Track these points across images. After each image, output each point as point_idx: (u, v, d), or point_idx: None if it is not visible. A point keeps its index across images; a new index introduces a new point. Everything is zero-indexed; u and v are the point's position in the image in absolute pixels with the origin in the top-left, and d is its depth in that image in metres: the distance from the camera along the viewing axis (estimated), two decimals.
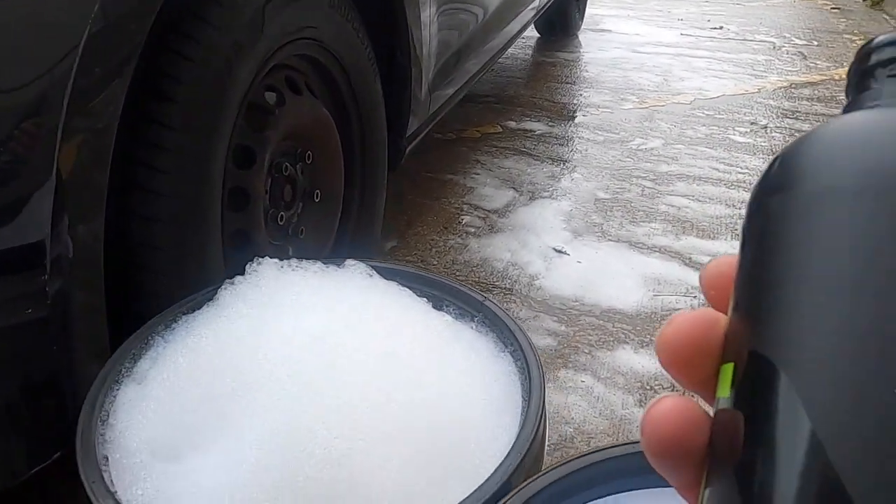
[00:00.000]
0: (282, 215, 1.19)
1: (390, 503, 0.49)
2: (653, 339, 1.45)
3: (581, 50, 3.58)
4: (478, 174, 2.19)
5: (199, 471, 0.51)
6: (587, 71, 3.27)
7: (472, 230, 1.87)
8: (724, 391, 0.18)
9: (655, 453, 0.19)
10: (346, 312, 0.61)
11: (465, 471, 0.52)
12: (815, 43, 3.79)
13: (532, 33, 3.70)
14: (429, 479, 0.51)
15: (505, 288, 1.62)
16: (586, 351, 1.42)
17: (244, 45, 0.95)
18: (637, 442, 0.55)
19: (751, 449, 0.16)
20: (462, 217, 1.93)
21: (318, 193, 1.30)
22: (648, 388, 1.34)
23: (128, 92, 0.76)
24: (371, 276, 0.71)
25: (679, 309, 1.62)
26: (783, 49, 3.66)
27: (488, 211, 1.97)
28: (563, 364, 1.39)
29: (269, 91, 1.15)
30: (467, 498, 0.48)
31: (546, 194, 2.07)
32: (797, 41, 3.82)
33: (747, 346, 0.18)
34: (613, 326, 1.49)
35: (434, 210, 1.97)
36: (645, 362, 1.39)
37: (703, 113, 2.70)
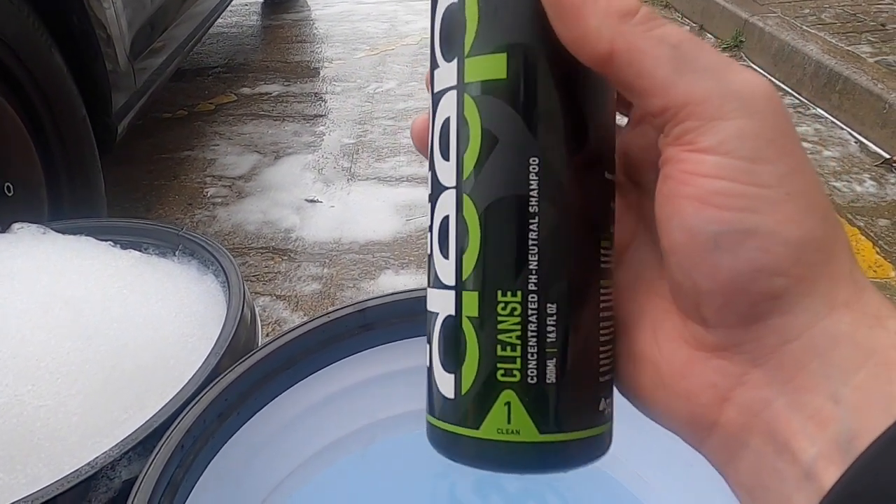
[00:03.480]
0: None
1: (80, 438, 0.46)
2: (411, 259, 1.52)
3: (307, 9, 3.54)
4: (217, 145, 2.09)
5: None
6: (316, 28, 3.25)
7: (220, 200, 1.79)
8: None
9: (417, 144, 0.29)
10: None
11: (166, 386, 0.50)
12: None
13: None
14: (123, 404, 0.49)
15: (261, 247, 1.59)
16: (351, 285, 1.45)
17: None
18: (344, 307, 0.57)
19: None
20: (206, 190, 1.84)
21: (9, 187, 1.15)
22: None
23: None
24: (44, 233, 0.64)
25: None
26: None
27: (233, 178, 1.90)
28: (331, 303, 1.41)
29: None
30: (164, 407, 0.47)
31: (291, 151, 2.04)
32: None
33: None
34: (373, 257, 1.53)
35: (175, 189, 1.85)
36: (406, 281, 1.45)
37: None
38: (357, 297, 1.44)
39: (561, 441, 0.23)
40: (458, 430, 0.24)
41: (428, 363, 0.25)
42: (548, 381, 0.23)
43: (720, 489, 0.51)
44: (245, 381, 0.51)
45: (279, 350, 0.53)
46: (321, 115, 2.28)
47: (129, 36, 1.52)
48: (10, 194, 1.14)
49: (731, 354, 0.22)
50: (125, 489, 0.45)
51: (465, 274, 0.23)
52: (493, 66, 0.23)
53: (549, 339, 0.23)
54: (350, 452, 0.61)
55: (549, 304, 0.23)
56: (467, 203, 0.23)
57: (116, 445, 0.45)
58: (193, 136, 2.16)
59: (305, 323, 0.55)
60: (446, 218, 0.24)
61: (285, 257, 1.55)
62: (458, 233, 0.24)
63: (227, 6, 2.45)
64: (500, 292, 0.23)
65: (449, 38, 0.24)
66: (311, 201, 1.77)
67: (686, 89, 0.21)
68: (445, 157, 0.24)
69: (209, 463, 0.48)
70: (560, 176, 0.23)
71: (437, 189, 0.25)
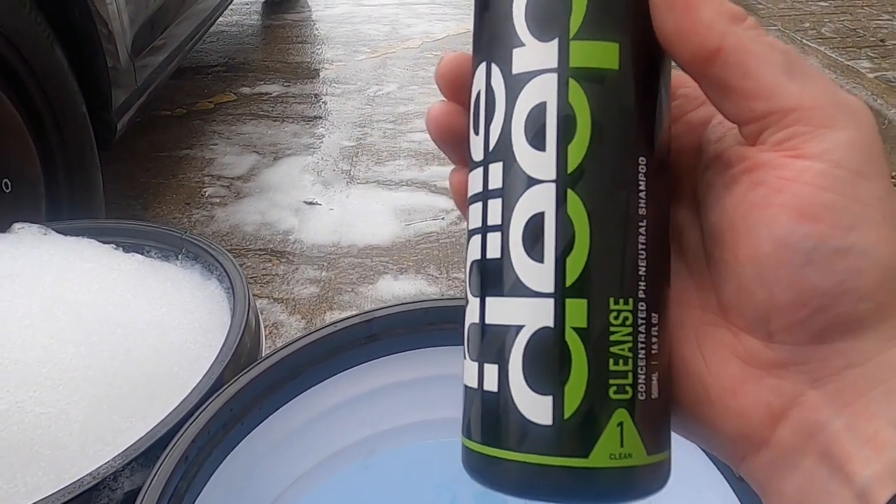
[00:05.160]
0: None
1: (81, 446, 0.45)
2: (409, 264, 1.51)
3: (308, 9, 3.53)
4: (216, 144, 2.08)
5: None
6: (317, 29, 3.24)
7: (218, 200, 1.78)
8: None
9: (437, 138, 0.26)
10: None
11: (169, 394, 0.50)
12: None
13: None
14: (125, 412, 0.48)
15: (259, 249, 1.58)
16: (349, 289, 1.44)
17: None
18: (345, 319, 0.56)
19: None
20: (205, 189, 1.83)
21: (6, 183, 1.14)
22: None
23: None
24: (45, 234, 0.63)
25: (431, 232, 1.69)
26: None
27: (232, 178, 1.89)
28: (329, 307, 1.40)
29: None
30: (167, 416, 0.46)
31: (290, 152, 2.03)
32: None
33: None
34: (372, 261, 1.53)
35: (173, 188, 1.84)
36: (405, 286, 1.44)
37: (431, 54, 2.82)
38: (355, 302, 1.44)
39: (659, 462, 0.22)
40: (559, 461, 0.20)
41: (493, 386, 0.22)
42: (653, 396, 0.22)
43: None
44: (250, 391, 0.50)
45: (284, 360, 0.52)
46: (321, 117, 2.27)
47: (130, 33, 1.51)
48: (7, 191, 1.13)
49: (788, 373, 0.21)
50: (127, 500, 0.44)
51: (571, 279, 0.21)
52: (605, 55, 0.21)
53: (653, 352, 0.22)
54: (352, 463, 0.60)
55: (653, 314, 0.22)
56: (573, 199, 0.21)
57: (119, 455, 0.44)
58: (192, 134, 2.15)
59: (311, 333, 0.54)
60: (539, 216, 0.21)
61: (283, 259, 1.54)
62: (561, 232, 0.21)
63: (228, 5, 2.44)
64: (612, 300, 0.21)
65: (545, 16, 0.22)
66: (310, 203, 1.76)
67: (797, 94, 0.21)
68: (538, 146, 0.21)
69: (212, 474, 0.48)
70: (659, 177, 0.22)
71: (519, 183, 0.22)
